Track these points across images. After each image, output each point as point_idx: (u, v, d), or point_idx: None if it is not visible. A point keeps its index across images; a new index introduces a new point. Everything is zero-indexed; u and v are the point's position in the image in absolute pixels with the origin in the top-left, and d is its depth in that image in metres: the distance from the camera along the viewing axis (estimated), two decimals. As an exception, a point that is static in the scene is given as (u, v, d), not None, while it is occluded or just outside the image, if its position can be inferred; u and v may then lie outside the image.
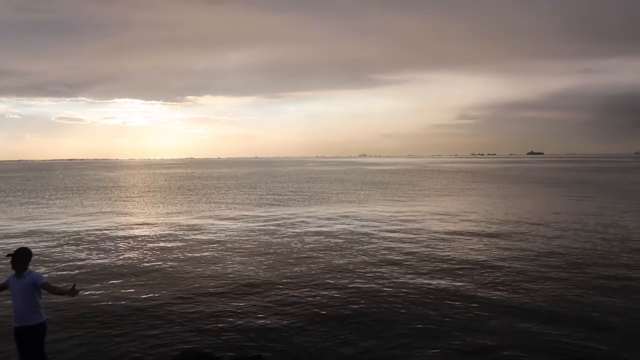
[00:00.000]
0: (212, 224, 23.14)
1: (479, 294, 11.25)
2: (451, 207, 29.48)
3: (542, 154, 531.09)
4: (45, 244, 18.22)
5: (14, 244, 16.94)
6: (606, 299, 10.84)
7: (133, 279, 12.86)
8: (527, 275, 12.91)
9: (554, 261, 14.61)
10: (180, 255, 16.01)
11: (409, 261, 14.80)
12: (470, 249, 16.67)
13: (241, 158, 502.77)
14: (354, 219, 24.41)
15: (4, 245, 17.69)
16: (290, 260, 14.99)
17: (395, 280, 12.60)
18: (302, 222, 23.64)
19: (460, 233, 19.88)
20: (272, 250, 16.63)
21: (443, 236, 19.16)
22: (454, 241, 18.10)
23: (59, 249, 17.25)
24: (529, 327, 9.12)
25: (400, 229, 21.01)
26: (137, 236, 19.99)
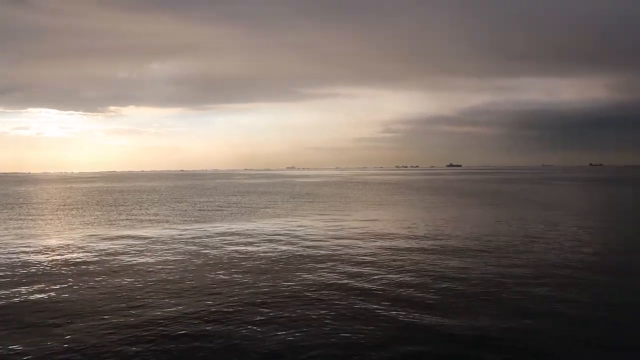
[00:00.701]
0: (131, 243, 22.58)
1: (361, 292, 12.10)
2: (374, 218, 30.76)
3: (460, 166, 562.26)
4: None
5: None
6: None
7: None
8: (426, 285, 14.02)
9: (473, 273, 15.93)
10: (87, 283, 15.59)
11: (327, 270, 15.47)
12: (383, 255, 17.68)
13: (167, 171, 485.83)
14: (280, 233, 24.84)
15: None
16: (207, 285, 15.13)
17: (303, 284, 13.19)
18: (227, 237, 23.72)
19: (379, 241, 20.94)
20: (191, 275, 16.64)
21: (366, 246, 20.11)
22: (377, 254, 19.06)
23: (-33, 270, 16.17)
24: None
25: (324, 240, 21.73)
26: (35, 261, 19.13)
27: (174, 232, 24.97)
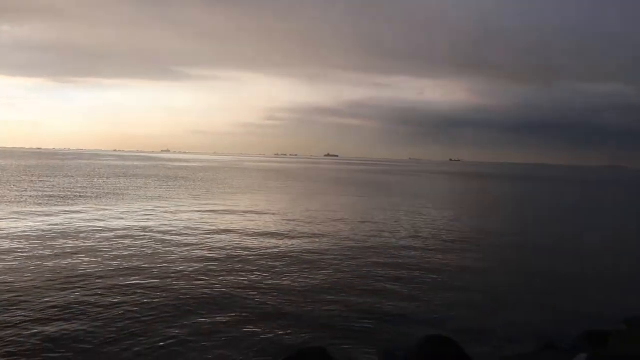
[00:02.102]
0: (-29, 224, 19.59)
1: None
2: (245, 204, 30.46)
3: (337, 156, 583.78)
4: None
5: None
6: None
7: None
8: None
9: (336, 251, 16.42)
10: None
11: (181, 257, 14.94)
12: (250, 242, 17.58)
13: (20, 148, 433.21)
14: (146, 218, 23.42)
15: None
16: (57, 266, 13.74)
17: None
18: (88, 221, 21.73)
19: (245, 227, 20.78)
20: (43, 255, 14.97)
21: (228, 231, 19.78)
22: (238, 236, 18.83)
23: None
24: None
25: (192, 227, 20.95)
26: None
27: (19, 216, 22.10)
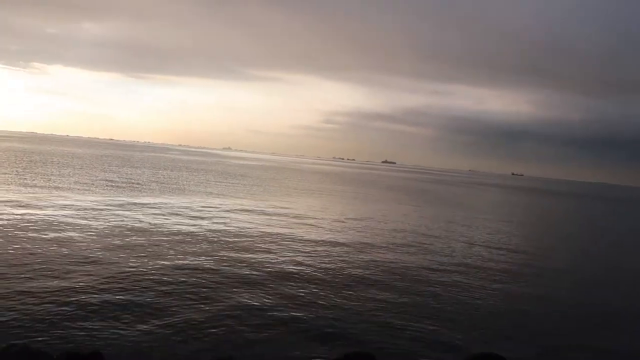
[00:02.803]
0: (44, 213, 20.91)
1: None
2: (301, 206, 30.62)
3: (395, 163, 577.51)
4: None
5: None
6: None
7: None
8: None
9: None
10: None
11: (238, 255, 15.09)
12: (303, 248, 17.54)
13: (94, 139, 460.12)
14: (206, 211, 24.05)
15: None
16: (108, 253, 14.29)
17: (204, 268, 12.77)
18: (150, 209, 22.61)
19: (296, 230, 20.79)
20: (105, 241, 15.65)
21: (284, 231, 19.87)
22: (295, 239, 18.87)
23: None
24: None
25: (250, 223, 21.25)
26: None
27: (93, 202, 23.37)
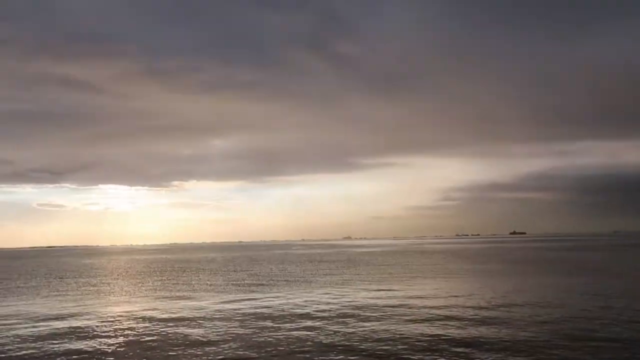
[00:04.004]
0: (185, 314, 22.45)
1: None
2: (429, 287, 29.21)
3: (525, 233, 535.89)
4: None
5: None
6: None
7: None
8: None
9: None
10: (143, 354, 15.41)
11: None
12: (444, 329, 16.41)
13: (226, 242, 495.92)
14: (335, 304, 23.98)
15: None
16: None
17: None
18: (285, 305, 23.13)
19: (433, 314, 19.61)
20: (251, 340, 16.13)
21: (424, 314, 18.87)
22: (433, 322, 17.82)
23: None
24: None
25: (384, 310, 20.65)
26: (92, 326, 19.28)
27: (226, 302, 24.68)
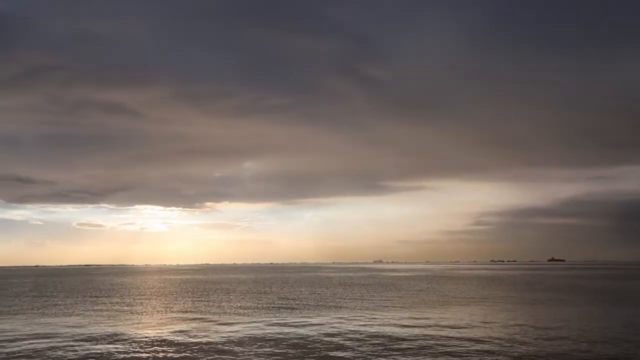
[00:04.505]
0: (212, 338, 22.38)
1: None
2: (463, 315, 28.25)
3: (564, 260, 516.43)
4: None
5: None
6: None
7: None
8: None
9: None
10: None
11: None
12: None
13: (257, 264, 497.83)
14: (364, 330, 23.45)
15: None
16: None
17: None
18: (305, 330, 22.76)
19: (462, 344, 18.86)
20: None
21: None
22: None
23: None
24: None
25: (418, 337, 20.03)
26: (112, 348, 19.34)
27: (256, 325, 24.49)
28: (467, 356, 16.39)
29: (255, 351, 17.34)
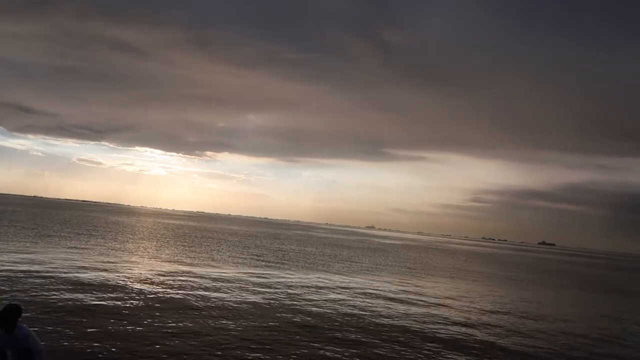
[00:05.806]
0: (199, 281, 22.80)
1: None
2: (447, 287, 28.79)
3: (554, 245, 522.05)
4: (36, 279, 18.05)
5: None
6: None
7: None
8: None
9: None
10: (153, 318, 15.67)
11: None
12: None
13: (251, 217, 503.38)
14: (349, 289, 23.92)
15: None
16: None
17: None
18: (294, 287, 23.21)
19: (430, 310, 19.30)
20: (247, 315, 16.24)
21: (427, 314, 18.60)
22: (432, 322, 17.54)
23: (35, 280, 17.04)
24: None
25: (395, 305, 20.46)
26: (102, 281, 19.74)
27: (245, 274, 24.98)
28: (446, 325, 16.81)
29: (239, 293, 17.74)
